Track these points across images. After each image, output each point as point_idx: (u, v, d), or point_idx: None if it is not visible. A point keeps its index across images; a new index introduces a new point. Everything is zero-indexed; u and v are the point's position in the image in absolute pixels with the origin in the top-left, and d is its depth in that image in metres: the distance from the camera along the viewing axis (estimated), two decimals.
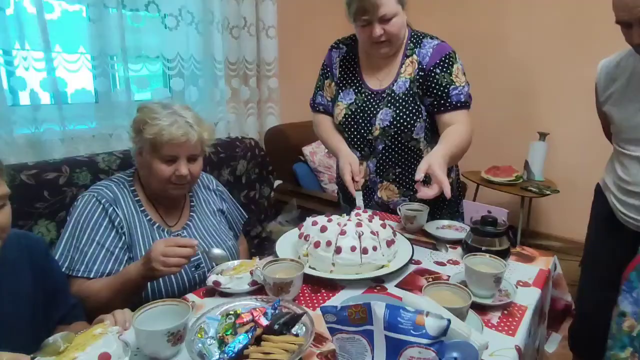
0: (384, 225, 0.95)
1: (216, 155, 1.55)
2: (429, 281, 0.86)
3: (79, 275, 0.91)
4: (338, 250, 0.88)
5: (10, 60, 1.37)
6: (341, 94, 1.24)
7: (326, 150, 1.99)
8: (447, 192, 0.91)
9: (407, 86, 1.16)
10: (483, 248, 0.92)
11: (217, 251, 0.92)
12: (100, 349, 0.59)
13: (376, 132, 1.18)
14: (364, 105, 1.20)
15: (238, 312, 0.69)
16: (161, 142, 0.93)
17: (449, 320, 0.53)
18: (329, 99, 1.29)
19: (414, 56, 1.16)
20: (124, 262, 0.95)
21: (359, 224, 0.92)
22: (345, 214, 1.00)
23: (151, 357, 0.65)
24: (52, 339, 0.59)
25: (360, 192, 1.09)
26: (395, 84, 1.18)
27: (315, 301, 0.82)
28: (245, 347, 0.61)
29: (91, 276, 0.91)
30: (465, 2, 2.62)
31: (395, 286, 0.88)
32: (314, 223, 0.94)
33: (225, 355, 0.60)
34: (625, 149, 1.09)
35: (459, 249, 1.03)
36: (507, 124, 2.59)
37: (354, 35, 1.22)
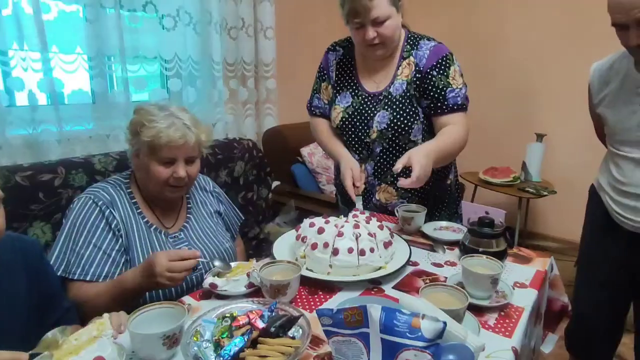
0: (381, 227, 0.95)
1: (214, 156, 1.55)
2: (426, 283, 0.86)
3: (75, 278, 0.90)
4: (335, 252, 0.88)
5: (6, 60, 1.36)
6: (338, 97, 1.24)
7: (324, 152, 1.99)
8: (402, 183, 0.94)
9: (404, 88, 1.16)
10: (480, 249, 0.92)
11: (218, 263, 0.91)
12: (94, 353, 0.58)
13: (373, 135, 1.18)
14: (361, 108, 1.20)
15: (234, 314, 0.68)
16: (159, 145, 0.93)
17: (445, 323, 0.53)
18: (326, 101, 1.29)
19: (411, 58, 1.16)
20: (121, 264, 0.95)
21: (356, 226, 0.92)
22: (342, 216, 1.00)
23: None
24: (50, 333, 0.59)
25: (361, 197, 1.09)
26: (392, 86, 1.17)
27: (312, 303, 0.82)
28: (241, 350, 0.61)
29: (87, 279, 0.90)
30: (464, 4, 2.62)
31: (393, 288, 0.87)
32: (312, 225, 0.94)
33: (221, 358, 0.60)
34: (620, 150, 1.10)
35: (457, 250, 1.03)
36: (505, 125, 2.60)
37: (350, 37, 1.21)
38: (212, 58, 1.94)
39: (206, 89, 1.98)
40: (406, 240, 1.03)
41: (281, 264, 0.86)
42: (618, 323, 1.27)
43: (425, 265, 0.98)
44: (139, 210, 1.01)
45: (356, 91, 1.22)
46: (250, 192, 1.70)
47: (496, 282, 0.80)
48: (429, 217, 1.20)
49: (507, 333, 0.73)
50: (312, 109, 1.32)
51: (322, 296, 0.84)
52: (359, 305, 0.57)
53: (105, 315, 0.67)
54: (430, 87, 1.14)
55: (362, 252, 0.88)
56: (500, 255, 0.92)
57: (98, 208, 0.95)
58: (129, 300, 0.86)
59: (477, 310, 0.77)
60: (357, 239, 0.89)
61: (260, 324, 0.65)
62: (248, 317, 0.67)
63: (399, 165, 0.96)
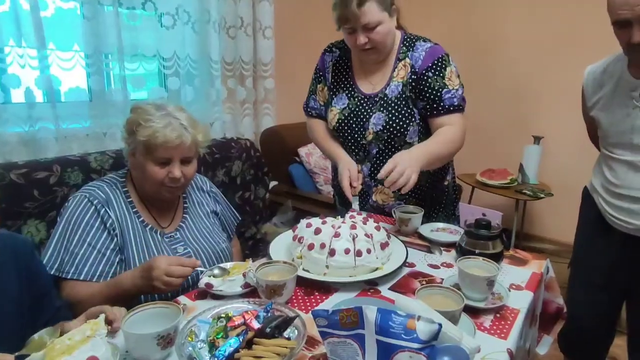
0: (378, 228, 0.95)
1: (211, 155, 1.54)
2: (423, 284, 0.86)
3: (69, 277, 0.89)
4: (332, 253, 0.87)
5: (2, 57, 1.35)
6: (334, 98, 1.23)
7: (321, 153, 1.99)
8: (381, 175, 0.97)
9: (400, 90, 1.16)
10: (477, 251, 0.92)
11: (217, 272, 0.90)
12: (88, 353, 0.58)
13: (370, 137, 1.18)
14: (357, 109, 1.19)
15: (230, 315, 0.68)
16: (155, 145, 0.92)
17: (440, 325, 0.53)
18: (322, 103, 1.28)
19: (407, 59, 1.16)
20: (116, 263, 0.94)
21: (353, 227, 0.92)
22: (339, 216, 1.00)
23: None
24: (37, 335, 0.59)
25: (357, 197, 1.09)
26: (387, 87, 1.17)
27: (308, 304, 0.82)
28: (236, 350, 0.61)
29: (81, 278, 0.90)
30: (462, 5, 2.63)
31: (389, 289, 0.87)
32: (308, 225, 0.94)
33: (216, 358, 0.60)
34: (613, 152, 1.10)
35: (453, 252, 1.03)
36: (503, 127, 2.60)
37: None
38: (210, 57, 1.93)
39: (204, 88, 1.97)
40: (403, 242, 1.03)
41: (277, 265, 0.86)
42: (610, 324, 1.27)
43: (422, 267, 0.98)
44: (134, 210, 1.00)
45: (352, 93, 1.21)
46: (248, 192, 1.70)
47: (492, 284, 0.80)
48: (427, 219, 1.20)
49: (502, 335, 0.73)
50: (309, 110, 1.32)
51: (318, 297, 0.84)
52: (355, 306, 0.57)
53: (101, 315, 0.67)
54: (425, 89, 1.13)
55: (358, 253, 0.88)
56: (497, 257, 0.92)
57: (93, 207, 0.94)
58: (124, 300, 0.86)
59: (473, 311, 0.77)
60: (354, 239, 0.89)
61: (256, 325, 0.65)
62: (243, 317, 0.66)
63: (382, 174, 0.97)
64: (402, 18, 1.19)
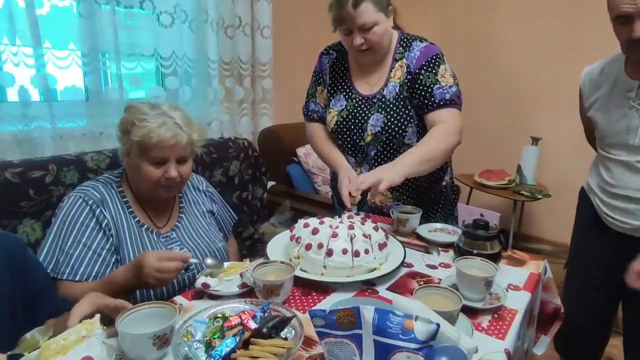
0: (376, 228, 0.95)
1: (209, 155, 1.54)
2: (421, 284, 0.86)
3: (64, 277, 0.88)
4: (329, 253, 0.87)
5: None
6: (332, 100, 1.23)
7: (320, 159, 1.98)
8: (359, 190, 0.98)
9: (397, 90, 1.15)
10: (474, 251, 0.92)
11: (210, 261, 0.90)
12: (82, 353, 0.57)
13: (368, 138, 1.17)
14: (355, 111, 1.19)
15: (226, 315, 0.68)
16: (150, 144, 0.91)
17: (438, 325, 0.53)
18: (323, 105, 1.27)
19: (403, 60, 1.15)
20: (111, 264, 0.93)
21: (351, 227, 0.92)
22: (337, 217, 0.99)
23: None
24: (29, 334, 0.58)
25: (356, 206, 1.07)
26: (385, 88, 1.16)
27: (305, 304, 0.81)
28: (233, 350, 0.60)
29: (77, 279, 0.89)
30: (460, 6, 2.64)
31: (387, 289, 0.87)
32: (306, 225, 0.94)
33: (212, 359, 0.59)
34: (610, 153, 1.11)
35: (451, 252, 1.03)
36: (501, 128, 2.61)
37: None
38: (207, 56, 1.93)
39: (202, 88, 1.96)
40: (401, 242, 1.03)
41: (275, 265, 0.86)
42: (606, 324, 1.28)
43: (420, 267, 0.97)
44: (130, 210, 0.99)
45: (350, 94, 1.21)
46: (245, 192, 1.69)
47: (490, 284, 0.80)
48: (425, 219, 1.19)
49: (500, 335, 0.73)
50: (309, 113, 1.30)
51: (315, 297, 0.84)
52: (352, 306, 0.57)
53: (97, 315, 0.66)
54: (417, 85, 1.12)
55: (356, 253, 0.87)
56: (495, 258, 0.92)
57: (88, 207, 0.93)
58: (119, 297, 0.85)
59: (471, 312, 0.77)
60: (351, 240, 0.89)
61: (253, 325, 0.64)
62: (240, 317, 0.66)
63: (363, 187, 0.97)
64: (399, 18, 1.19)
